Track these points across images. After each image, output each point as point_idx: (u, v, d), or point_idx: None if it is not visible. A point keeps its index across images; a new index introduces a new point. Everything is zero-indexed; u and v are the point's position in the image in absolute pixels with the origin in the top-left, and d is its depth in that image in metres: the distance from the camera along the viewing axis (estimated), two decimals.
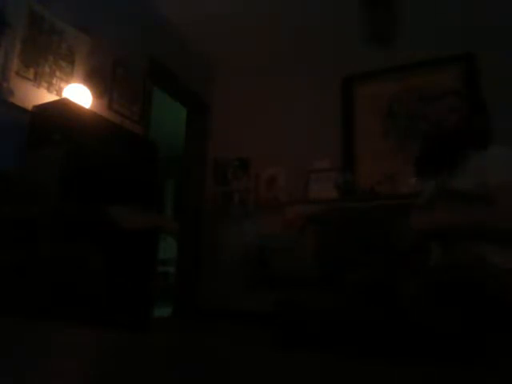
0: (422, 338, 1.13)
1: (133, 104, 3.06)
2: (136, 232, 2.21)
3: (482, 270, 1.20)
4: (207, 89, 4.09)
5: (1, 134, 2.09)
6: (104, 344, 0.67)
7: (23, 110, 2.20)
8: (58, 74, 2.45)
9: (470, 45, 3.01)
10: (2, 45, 2.14)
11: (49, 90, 2.37)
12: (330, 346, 1.36)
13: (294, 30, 3.52)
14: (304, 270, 2.22)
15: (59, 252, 1.56)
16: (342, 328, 1.37)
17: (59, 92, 2.42)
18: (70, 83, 2.49)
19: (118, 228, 2.06)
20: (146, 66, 3.23)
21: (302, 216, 1.81)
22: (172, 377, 0.47)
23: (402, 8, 3.03)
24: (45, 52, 2.38)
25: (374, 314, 1.32)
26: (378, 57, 3.31)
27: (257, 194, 3.68)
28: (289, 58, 3.76)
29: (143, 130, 3.14)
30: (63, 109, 2.16)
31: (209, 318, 3.47)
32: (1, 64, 2.13)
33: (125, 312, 2.12)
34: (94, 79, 2.69)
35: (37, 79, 2.31)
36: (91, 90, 2.54)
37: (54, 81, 2.42)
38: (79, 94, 2.40)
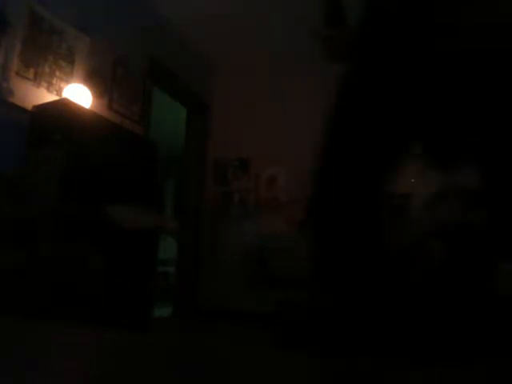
0: (423, 338, 1.13)
1: (133, 104, 3.06)
2: (136, 232, 2.21)
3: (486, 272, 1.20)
4: (207, 89, 4.09)
5: (1, 133, 2.09)
6: (104, 344, 0.67)
7: (23, 110, 2.20)
8: (57, 73, 2.45)
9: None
10: (2, 45, 2.14)
11: (49, 89, 2.37)
12: (331, 346, 1.36)
13: (294, 30, 3.52)
14: (304, 269, 2.22)
15: (59, 252, 1.56)
16: (342, 328, 1.37)
17: (59, 92, 2.42)
18: (69, 83, 2.49)
19: (117, 228, 2.06)
20: (146, 66, 3.23)
21: None
22: (172, 377, 0.47)
23: None
24: (45, 52, 2.38)
25: (375, 314, 1.32)
26: None
27: (257, 194, 3.68)
28: (289, 57, 3.76)
29: (143, 130, 3.14)
30: (63, 109, 2.15)
31: (209, 317, 3.47)
32: (1, 64, 2.13)
33: (125, 312, 2.12)
34: (93, 79, 2.69)
35: (37, 79, 2.31)
36: (91, 90, 2.54)
37: (54, 81, 2.42)
38: (79, 94, 2.40)
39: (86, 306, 1.61)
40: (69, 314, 1.32)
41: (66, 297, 1.53)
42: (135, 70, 3.11)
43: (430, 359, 0.92)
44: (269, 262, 2.66)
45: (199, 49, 3.86)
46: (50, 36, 2.42)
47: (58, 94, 2.41)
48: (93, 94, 2.55)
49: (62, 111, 2.14)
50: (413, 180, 1.85)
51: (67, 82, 2.49)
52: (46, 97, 2.34)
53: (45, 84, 2.36)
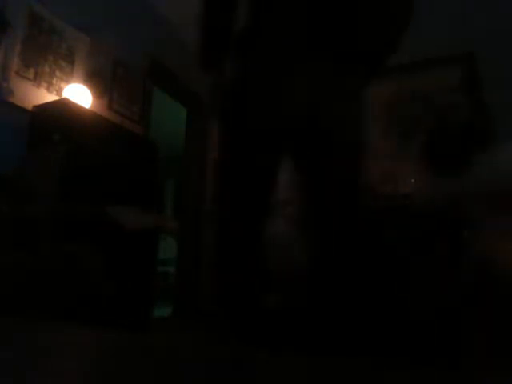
0: (423, 339, 1.13)
1: (133, 104, 3.06)
2: (136, 232, 2.21)
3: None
4: (207, 89, 4.08)
5: (1, 133, 2.09)
6: (104, 344, 0.67)
7: (23, 110, 2.20)
8: (57, 73, 2.45)
9: (470, 45, 3.01)
10: (2, 45, 2.14)
11: (49, 89, 2.37)
12: (329, 346, 1.36)
13: None
14: (304, 269, 2.22)
15: (59, 252, 1.56)
16: (341, 328, 1.37)
17: (59, 92, 2.42)
18: (69, 83, 2.49)
19: (117, 228, 2.06)
20: (146, 66, 3.23)
21: None
22: (172, 377, 0.47)
23: None
24: (45, 52, 2.38)
25: (375, 314, 1.32)
26: None
27: None
28: None
29: (143, 130, 3.14)
30: (63, 109, 2.15)
31: (209, 317, 3.47)
32: (1, 64, 2.13)
33: (125, 312, 2.11)
34: (93, 79, 2.69)
35: (37, 79, 2.31)
36: (91, 90, 2.54)
37: (54, 81, 2.42)
38: (79, 94, 2.40)
39: (86, 305, 1.61)
40: (69, 313, 1.32)
41: (66, 297, 1.53)
42: (135, 70, 3.11)
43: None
44: (268, 262, 2.65)
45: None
46: (50, 36, 2.42)
47: (58, 94, 2.41)
48: (93, 94, 2.55)
49: (62, 111, 2.14)
50: (413, 180, 1.85)
51: (67, 81, 2.49)
52: (46, 97, 2.34)
53: (45, 84, 2.36)
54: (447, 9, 3.09)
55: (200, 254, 3.75)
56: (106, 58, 2.83)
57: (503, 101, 2.49)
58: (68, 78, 2.51)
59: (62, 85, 2.45)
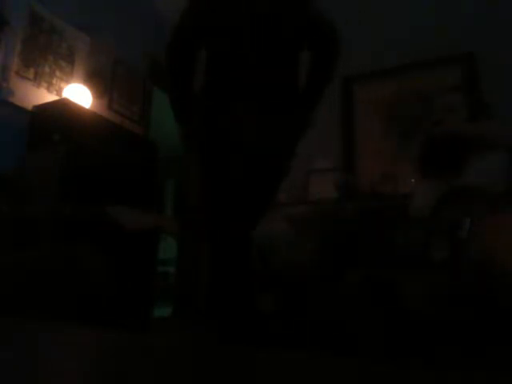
0: (424, 339, 1.13)
1: (133, 104, 3.06)
2: (136, 232, 2.21)
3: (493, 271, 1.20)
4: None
5: (1, 133, 2.09)
6: (104, 344, 0.67)
7: (23, 110, 2.20)
8: (57, 73, 2.45)
9: (469, 45, 3.01)
10: (2, 44, 2.14)
11: (49, 89, 2.37)
12: (331, 345, 1.36)
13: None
14: (304, 269, 2.22)
15: (59, 252, 1.55)
16: (341, 328, 1.37)
17: (59, 92, 2.42)
18: (69, 83, 2.49)
19: (118, 228, 2.06)
20: (146, 66, 3.23)
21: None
22: (172, 377, 0.47)
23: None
24: (45, 52, 2.38)
25: (375, 314, 1.32)
26: (378, 57, 3.31)
27: None
28: None
29: (143, 129, 3.14)
30: (63, 109, 2.16)
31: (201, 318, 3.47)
32: (1, 64, 2.13)
33: (125, 312, 2.11)
34: (94, 79, 2.69)
35: (37, 79, 2.31)
36: (91, 90, 2.54)
37: (54, 81, 2.42)
38: (79, 94, 2.40)
39: (86, 305, 1.61)
40: (69, 313, 1.32)
41: (66, 297, 1.53)
42: (135, 70, 3.11)
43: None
44: (268, 262, 2.66)
45: None
46: (50, 36, 2.42)
47: (58, 94, 2.41)
48: (93, 94, 2.55)
49: (62, 111, 2.14)
50: (413, 180, 1.85)
51: (67, 82, 2.49)
52: (46, 97, 2.34)
53: (45, 84, 2.36)
54: (447, 9, 3.09)
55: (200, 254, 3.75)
56: (106, 58, 2.83)
57: (503, 101, 2.49)
58: (68, 77, 2.51)
59: (62, 85, 2.46)
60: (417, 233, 1.54)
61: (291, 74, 1.43)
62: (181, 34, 1.50)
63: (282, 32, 1.42)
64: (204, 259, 2.34)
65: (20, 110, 2.19)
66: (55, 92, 2.41)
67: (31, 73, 2.28)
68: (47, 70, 2.38)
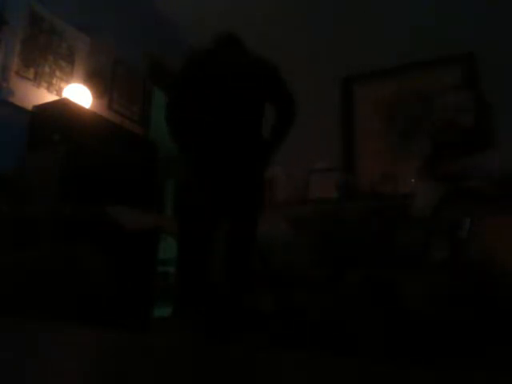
0: (424, 339, 1.13)
1: (133, 104, 3.06)
2: (136, 232, 2.21)
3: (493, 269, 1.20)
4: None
5: (1, 133, 2.09)
6: (104, 344, 0.67)
7: (23, 110, 2.20)
8: (57, 73, 2.45)
9: (469, 45, 3.01)
10: (2, 44, 2.14)
11: (49, 89, 2.37)
12: (329, 345, 1.36)
13: (294, 29, 3.52)
14: (304, 269, 2.22)
15: (59, 252, 1.55)
16: (341, 328, 1.37)
17: (59, 92, 2.42)
18: (69, 83, 2.49)
19: (118, 228, 2.06)
20: (146, 66, 3.23)
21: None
22: (172, 377, 0.47)
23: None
24: (45, 52, 2.38)
25: (375, 314, 1.32)
26: (378, 57, 3.31)
27: None
28: (289, 57, 3.76)
29: (143, 130, 3.14)
30: (63, 109, 2.16)
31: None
32: (1, 64, 2.13)
33: (125, 312, 2.11)
34: (94, 79, 2.69)
35: (37, 79, 2.31)
36: (91, 90, 2.54)
37: (54, 81, 2.42)
38: (79, 94, 2.40)
39: (87, 306, 1.61)
40: (69, 313, 1.32)
41: (66, 297, 1.53)
42: (135, 70, 3.11)
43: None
44: (268, 262, 2.66)
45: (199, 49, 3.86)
46: (50, 36, 2.42)
47: (58, 94, 2.41)
48: (93, 94, 2.55)
49: (62, 111, 2.14)
50: (413, 180, 1.85)
51: (67, 82, 2.49)
52: (46, 97, 2.34)
53: (45, 84, 2.36)
54: (447, 9, 3.09)
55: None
56: (106, 58, 2.83)
57: (503, 101, 2.49)
58: (68, 78, 2.51)
59: (62, 85, 2.46)
60: (417, 233, 1.54)
61: (257, 125, 1.92)
62: (172, 115, 2.02)
63: (251, 103, 1.90)
64: (204, 259, 2.35)
65: (20, 109, 2.19)
66: (55, 92, 2.41)
67: (31, 73, 2.28)
68: (47, 70, 2.38)
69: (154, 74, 3.31)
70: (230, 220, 1.87)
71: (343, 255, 2.12)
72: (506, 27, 2.89)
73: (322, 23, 3.39)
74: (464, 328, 1.12)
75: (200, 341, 1.38)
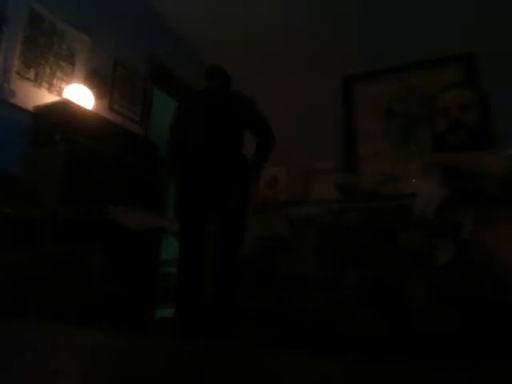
0: (425, 340, 1.13)
1: (133, 104, 3.06)
2: (138, 233, 2.21)
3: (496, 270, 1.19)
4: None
5: (1, 134, 2.10)
6: (104, 344, 0.67)
7: (24, 111, 2.21)
8: (58, 74, 2.45)
9: (469, 45, 3.01)
10: (3, 45, 2.14)
11: (49, 90, 2.38)
12: (329, 346, 1.36)
13: (293, 29, 3.52)
14: (304, 269, 2.22)
15: (60, 252, 1.56)
16: (341, 328, 1.37)
17: (60, 92, 2.43)
18: (70, 84, 2.49)
19: (119, 229, 2.06)
20: (146, 66, 3.23)
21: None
22: (172, 377, 0.47)
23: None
24: (45, 52, 2.38)
25: (375, 315, 1.32)
26: (378, 57, 3.31)
27: (257, 194, 3.67)
28: (289, 57, 3.76)
29: (144, 130, 3.14)
30: (64, 109, 2.16)
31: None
32: (2, 64, 2.13)
33: (127, 312, 2.12)
34: (94, 79, 2.70)
35: (37, 80, 2.31)
36: (92, 91, 2.54)
37: (55, 81, 2.42)
38: (80, 95, 2.41)
39: (87, 306, 1.61)
40: (69, 314, 1.32)
41: (67, 297, 1.53)
42: (135, 70, 3.11)
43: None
44: (269, 262, 2.66)
45: (199, 49, 3.86)
46: (51, 36, 2.43)
47: (58, 95, 2.41)
48: (93, 95, 2.55)
49: (63, 112, 2.15)
50: (413, 180, 1.85)
51: (68, 82, 2.50)
52: (47, 97, 2.34)
53: (46, 84, 2.36)
54: (447, 9, 3.09)
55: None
56: (106, 59, 2.83)
57: (503, 101, 2.48)
58: (69, 78, 2.52)
59: (63, 85, 2.46)
60: (418, 233, 1.54)
61: (237, 145, 2.32)
62: (174, 138, 2.46)
63: (233, 128, 2.32)
64: (205, 260, 2.37)
65: (21, 110, 2.20)
66: (56, 92, 2.41)
67: (32, 73, 2.29)
68: (48, 70, 2.39)
69: (154, 75, 3.31)
70: (216, 221, 2.20)
71: (344, 255, 2.12)
72: (506, 27, 2.89)
73: (322, 23, 3.39)
74: (464, 328, 1.12)
75: (200, 341, 1.38)
